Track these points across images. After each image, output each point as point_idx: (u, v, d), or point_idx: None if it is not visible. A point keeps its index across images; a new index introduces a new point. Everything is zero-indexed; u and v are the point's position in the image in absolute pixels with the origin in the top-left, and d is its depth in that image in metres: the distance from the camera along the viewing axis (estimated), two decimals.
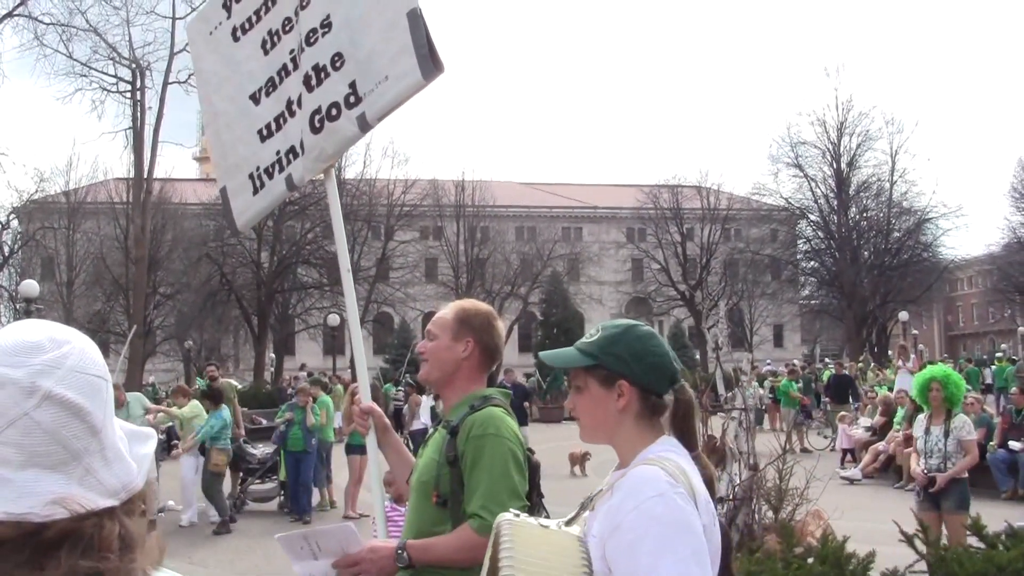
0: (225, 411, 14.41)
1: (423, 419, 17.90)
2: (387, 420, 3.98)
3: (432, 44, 3.62)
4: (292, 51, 4.15)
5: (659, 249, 65.74)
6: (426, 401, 17.80)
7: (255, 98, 4.30)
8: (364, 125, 3.84)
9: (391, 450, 3.93)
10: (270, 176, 4.24)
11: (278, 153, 4.18)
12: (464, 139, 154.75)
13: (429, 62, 3.60)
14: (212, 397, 14.88)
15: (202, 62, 4.67)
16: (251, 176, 4.32)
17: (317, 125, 3.98)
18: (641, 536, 2.17)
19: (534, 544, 2.27)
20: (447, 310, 3.67)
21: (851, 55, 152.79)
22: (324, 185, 4.29)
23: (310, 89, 4.02)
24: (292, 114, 4.13)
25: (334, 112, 3.91)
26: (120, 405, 13.87)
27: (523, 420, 19.09)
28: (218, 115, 4.52)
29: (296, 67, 4.12)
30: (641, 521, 2.18)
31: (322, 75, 3.97)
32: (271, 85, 4.24)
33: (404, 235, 57.65)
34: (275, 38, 4.25)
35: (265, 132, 4.25)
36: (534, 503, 3.41)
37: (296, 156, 4.12)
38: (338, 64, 3.92)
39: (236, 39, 4.42)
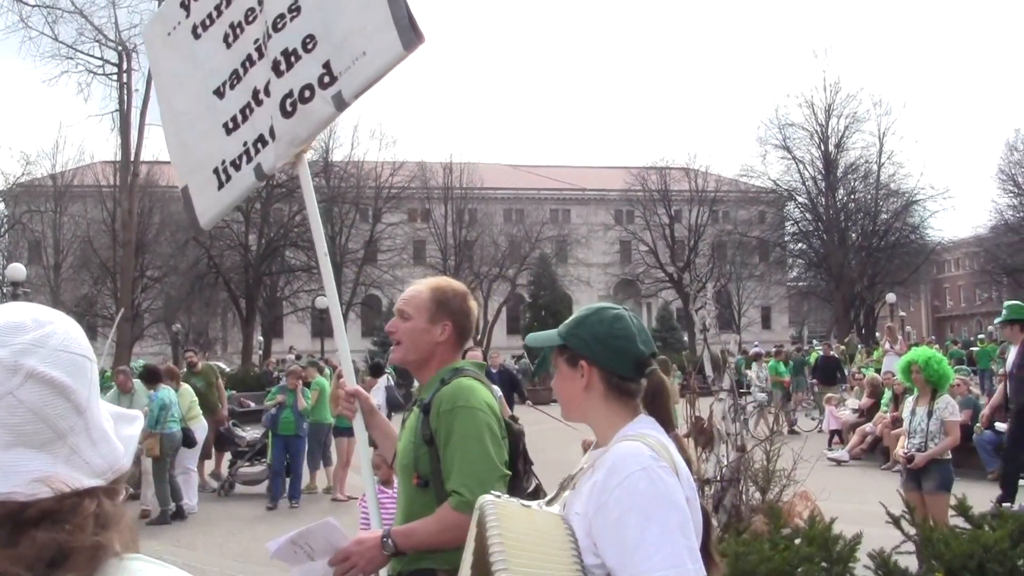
0: (164, 391, 13.54)
1: (376, 400, 17.78)
2: (373, 402, 3.92)
3: (411, 14, 3.60)
4: (257, 40, 4.12)
5: (647, 231, 65.77)
6: (381, 382, 17.63)
7: (219, 92, 4.27)
8: (340, 103, 3.81)
9: (379, 432, 3.87)
10: (237, 168, 4.20)
11: (245, 144, 4.14)
12: (452, 121, 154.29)
13: (410, 32, 3.57)
14: (147, 377, 13.94)
15: (160, 64, 4.65)
16: (216, 171, 4.28)
17: (289, 109, 3.95)
18: (627, 511, 2.19)
19: (520, 524, 2.28)
20: (421, 288, 3.57)
21: (839, 37, 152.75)
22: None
23: (279, 74, 3.99)
24: (259, 103, 4.10)
25: (307, 94, 3.88)
26: (126, 391, 13.67)
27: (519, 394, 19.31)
28: (179, 115, 4.49)
29: (262, 55, 4.09)
30: (626, 496, 2.21)
31: (292, 59, 3.94)
32: (235, 77, 4.21)
33: (392, 217, 57.64)
34: (237, 30, 4.21)
35: (231, 125, 4.21)
36: (521, 471, 3.39)
37: (265, 144, 4.08)
38: (310, 46, 3.89)
39: (197, 36, 4.38)
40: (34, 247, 51.07)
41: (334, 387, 16.03)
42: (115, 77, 37.58)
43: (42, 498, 1.20)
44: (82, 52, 37.35)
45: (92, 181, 49.97)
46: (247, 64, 4.15)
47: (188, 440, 14.01)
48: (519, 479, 3.35)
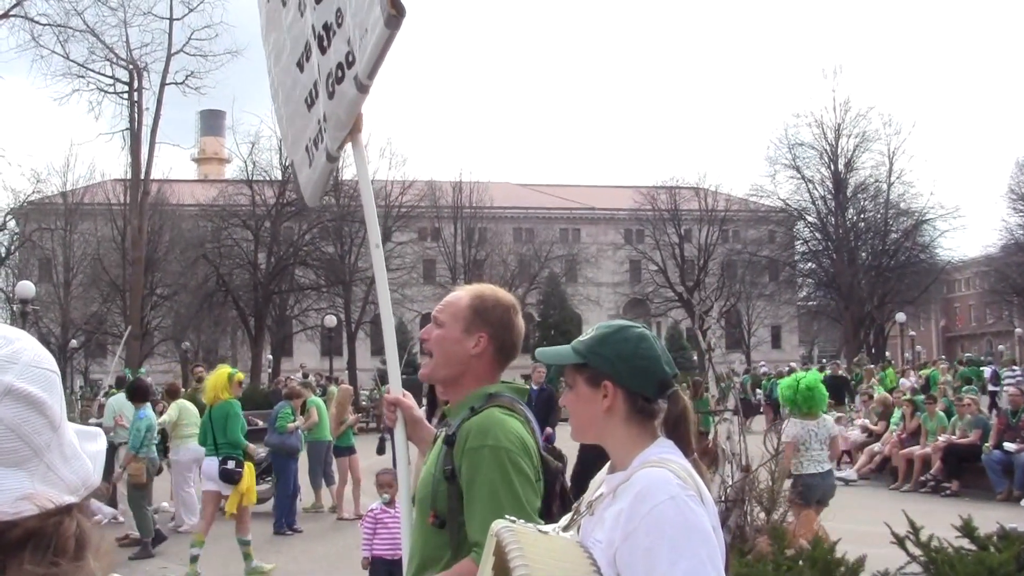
0: (148, 410, 12.90)
1: None
2: (419, 412, 3.53)
3: None
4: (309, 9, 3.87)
5: (657, 250, 65.88)
6: None
7: (300, 65, 3.99)
8: (360, 86, 3.49)
9: (425, 445, 3.40)
10: (316, 147, 3.95)
11: (319, 122, 3.86)
12: (462, 140, 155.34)
13: (389, 8, 3.19)
14: (134, 394, 13.17)
15: (267, 33, 4.41)
16: (306, 148, 4.05)
17: (330, 90, 3.68)
18: (657, 541, 2.14)
19: (540, 550, 2.22)
20: (462, 294, 3.20)
21: (849, 56, 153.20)
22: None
23: (323, 51, 3.73)
24: (322, 80, 3.86)
25: (340, 74, 3.60)
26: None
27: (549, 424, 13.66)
28: (277, 88, 4.30)
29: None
30: (655, 526, 2.15)
31: (331, 34, 3.66)
32: (309, 50, 3.89)
33: (401, 236, 57.73)
34: None
35: (309, 100, 3.94)
36: (556, 514, 2.89)
37: (324, 125, 3.84)
38: (340, 21, 3.59)
39: (284, 3, 4.14)
40: (44, 265, 51.28)
41: (345, 402, 15.99)
42: (126, 96, 37.85)
43: (26, 516, 1.16)
44: (93, 71, 37.66)
45: (102, 199, 50.28)
46: (316, 37, 3.84)
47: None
48: (553, 522, 2.85)
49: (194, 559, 10.75)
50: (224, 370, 11.88)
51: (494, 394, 3.04)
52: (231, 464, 10.86)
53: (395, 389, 3.63)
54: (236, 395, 11.65)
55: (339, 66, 3.60)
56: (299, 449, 14.59)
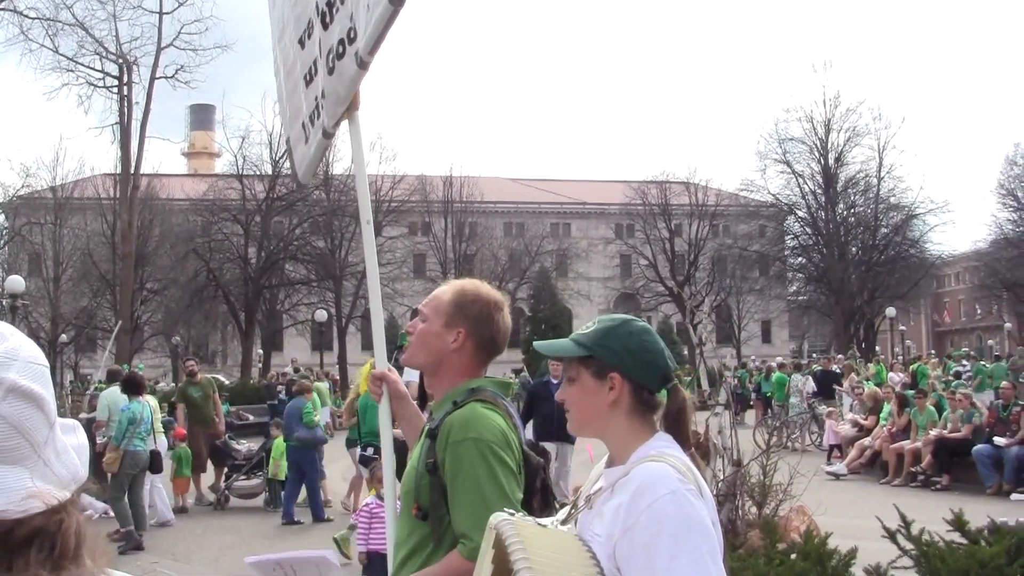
0: (137, 405, 12.86)
1: None
2: (403, 387, 3.51)
3: None
4: None
5: (647, 245, 65.84)
6: None
7: (302, 42, 4.02)
8: (361, 62, 3.48)
9: (407, 422, 3.48)
10: (312, 124, 3.96)
11: (316, 99, 3.87)
12: (452, 135, 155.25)
13: None
14: (128, 387, 13.33)
15: (273, 9, 4.45)
16: (303, 124, 4.07)
17: (331, 66, 3.68)
18: (656, 535, 2.14)
19: (541, 543, 2.21)
20: (446, 290, 3.22)
21: (839, 51, 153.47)
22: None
23: (325, 27, 3.73)
24: (322, 56, 3.87)
25: (341, 50, 3.59)
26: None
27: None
28: (279, 64, 4.34)
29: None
30: (654, 521, 2.15)
31: (334, 10, 3.66)
32: (311, 27, 3.91)
33: (392, 231, 57.62)
34: None
35: (308, 77, 3.97)
36: (537, 510, 2.93)
37: (322, 101, 3.85)
38: None
39: None
40: (34, 259, 51.15)
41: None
42: (115, 90, 37.84)
43: (33, 514, 1.16)
44: (83, 65, 37.66)
45: (92, 193, 50.17)
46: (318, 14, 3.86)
47: (155, 464, 13.10)
48: (543, 515, 2.85)
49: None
50: (371, 361, 12.39)
51: (476, 389, 3.05)
52: (370, 451, 11.74)
53: (381, 364, 3.63)
54: None
55: (340, 42, 3.61)
56: (326, 441, 15.16)
